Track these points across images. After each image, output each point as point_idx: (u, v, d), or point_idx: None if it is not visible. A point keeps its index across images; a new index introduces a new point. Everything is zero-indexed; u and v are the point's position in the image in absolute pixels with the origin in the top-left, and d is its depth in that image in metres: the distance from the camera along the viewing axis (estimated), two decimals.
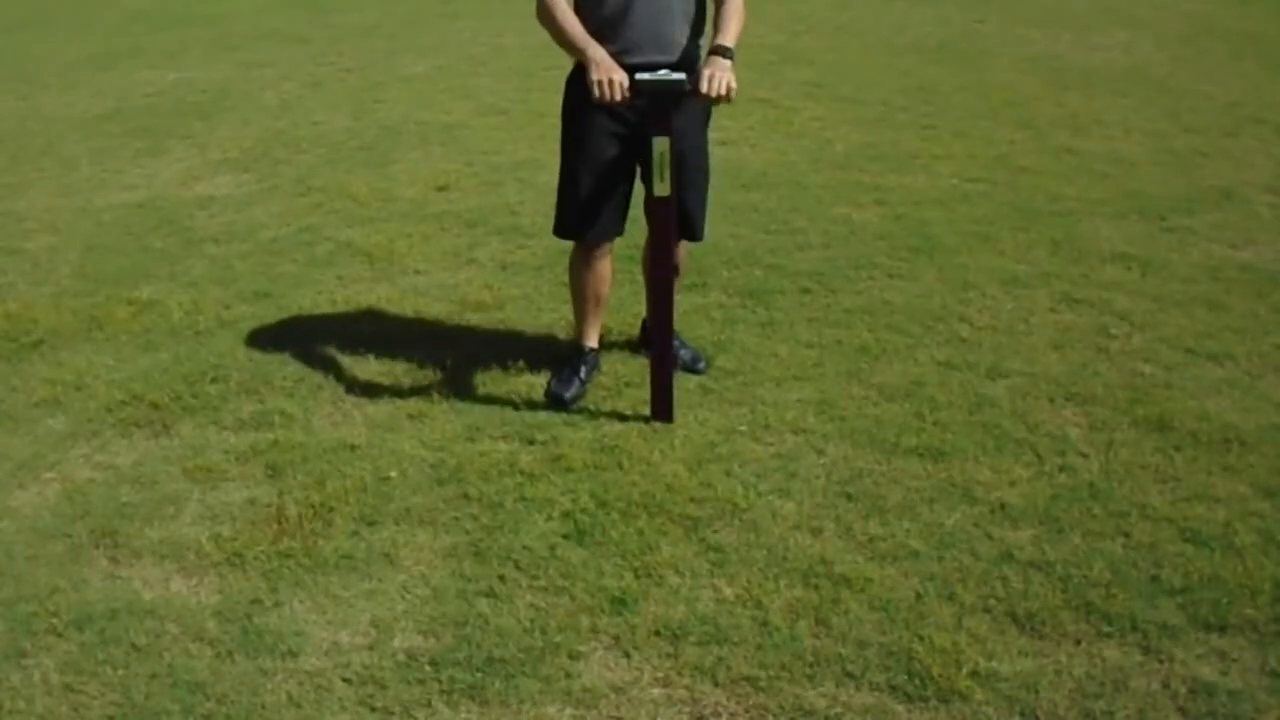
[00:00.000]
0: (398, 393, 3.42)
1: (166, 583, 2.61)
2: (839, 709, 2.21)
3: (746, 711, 2.21)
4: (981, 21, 10.12)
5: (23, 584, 2.61)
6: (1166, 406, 3.31)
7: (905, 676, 2.28)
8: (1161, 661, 2.32)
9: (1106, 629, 2.41)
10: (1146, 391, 3.42)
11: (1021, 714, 2.20)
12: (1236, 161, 5.84)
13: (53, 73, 8.62)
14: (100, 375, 3.59)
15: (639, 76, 2.89)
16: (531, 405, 3.33)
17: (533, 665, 2.32)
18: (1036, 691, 2.24)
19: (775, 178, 5.53)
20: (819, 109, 6.94)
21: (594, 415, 3.28)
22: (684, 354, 3.53)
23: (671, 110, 2.93)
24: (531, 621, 2.44)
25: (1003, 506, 2.84)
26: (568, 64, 3.10)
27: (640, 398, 3.33)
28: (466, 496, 2.90)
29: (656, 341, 3.20)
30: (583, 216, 3.24)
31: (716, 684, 2.28)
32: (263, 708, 2.23)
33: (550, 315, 3.96)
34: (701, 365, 3.53)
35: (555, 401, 3.32)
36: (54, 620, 2.47)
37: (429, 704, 2.23)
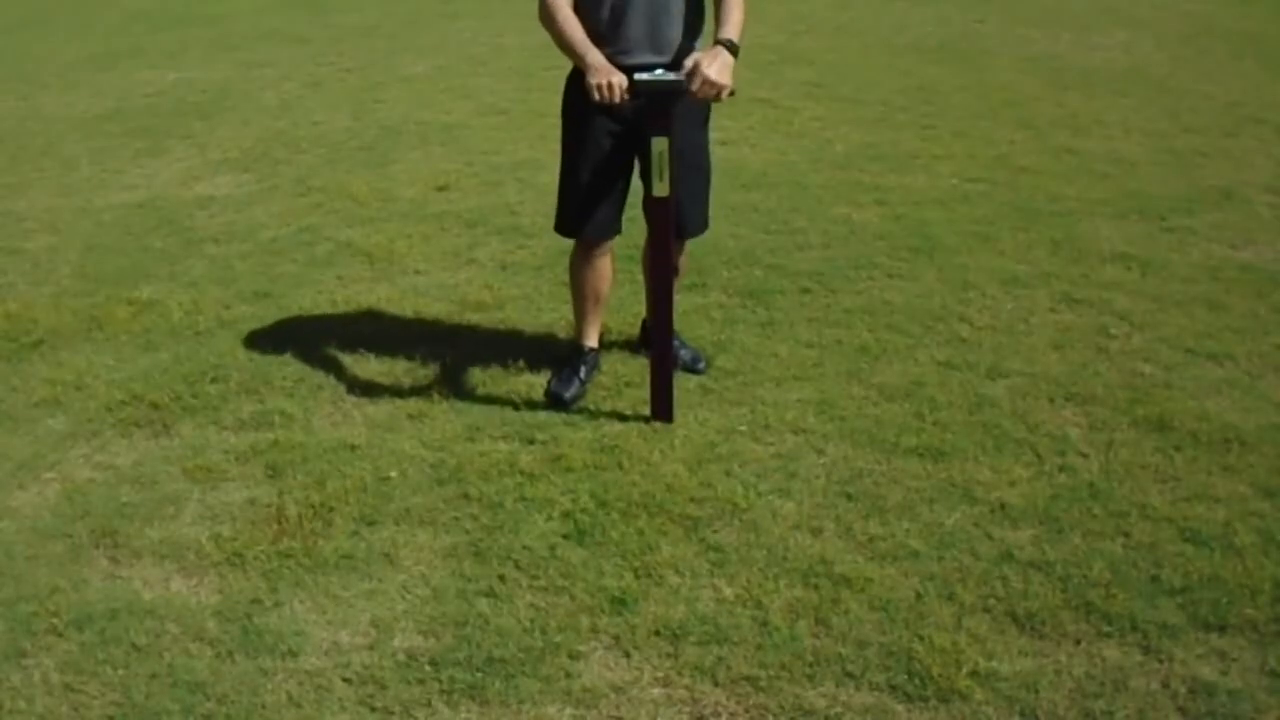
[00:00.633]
0: (398, 393, 3.42)
1: (166, 583, 2.61)
2: (839, 709, 2.21)
3: (746, 711, 2.21)
4: (981, 21, 10.12)
5: (23, 584, 2.61)
6: (1166, 406, 3.31)
7: (905, 676, 2.28)
8: (1161, 661, 2.32)
9: (1106, 629, 2.41)
10: (1146, 391, 3.42)
11: (1021, 714, 2.20)
12: (1236, 161, 5.84)
13: (53, 73, 8.62)
14: (100, 375, 3.59)
15: (637, 77, 2.90)
16: (531, 405, 3.33)
17: (533, 665, 2.32)
18: (1036, 691, 2.24)
19: (775, 178, 5.53)
20: (819, 109, 6.94)
21: (594, 415, 3.28)
22: (684, 354, 3.53)
23: (670, 110, 2.93)
24: (531, 621, 2.44)
25: (1003, 506, 2.84)
26: (568, 64, 3.10)
27: (640, 398, 3.33)
28: (466, 496, 2.90)
29: (656, 341, 3.21)
30: (583, 215, 3.25)
31: (716, 684, 2.28)
32: (263, 708, 2.23)
33: (550, 315, 3.96)
34: (701, 365, 3.53)
35: (555, 401, 3.32)
36: (54, 620, 2.47)
37: (429, 704, 2.23)
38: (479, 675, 2.29)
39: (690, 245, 3.49)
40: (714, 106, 3.12)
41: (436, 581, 2.59)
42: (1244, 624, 2.42)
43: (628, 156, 3.19)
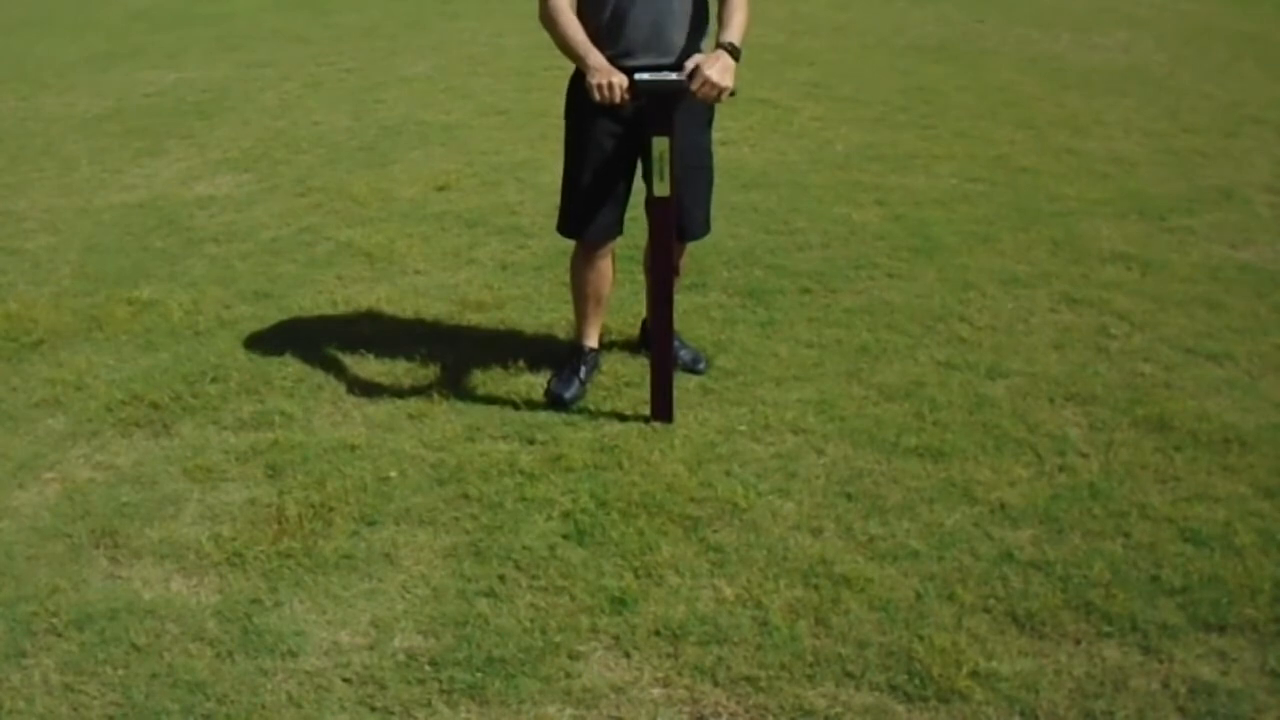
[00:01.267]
0: (398, 393, 3.42)
1: (166, 583, 2.61)
2: (839, 709, 2.21)
3: (746, 711, 2.21)
4: (981, 21, 10.12)
5: (23, 584, 2.61)
6: (1166, 406, 3.31)
7: (905, 676, 2.28)
8: (1161, 661, 2.32)
9: (1106, 629, 2.41)
10: (1146, 391, 3.42)
11: (1021, 714, 2.20)
12: (1236, 161, 5.84)
13: (53, 73, 8.61)
14: (100, 375, 3.59)
15: (638, 77, 2.90)
16: (531, 405, 3.33)
17: (533, 665, 2.32)
18: (1036, 691, 2.24)
19: (775, 178, 5.53)
20: (819, 109, 6.94)
21: (594, 415, 3.28)
22: (684, 354, 3.53)
23: (671, 110, 2.93)
24: (531, 621, 2.44)
25: (1003, 506, 2.84)
26: (569, 65, 3.10)
27: (640, 398, 3.33)
28: (466, 496, 2.90)
29: (656, 342, 3.21)
30: (585, 216, 3.25)
31: (716, 684, 2.28)
32: (263, 708, 2.23)
33: (550, 315, 3.96)
34: (702, 365, 3.53)
35: (555, 401, 3.32)
36: (54, 620, 2.47)
37: (429, 704, 2.23)
38: (479, 675, 2.29)
39: (690, 246, 3.49)
40: (716, 108, 3.12)
41: (436, 581, 2.59)
42: (1244, 624, 2.42)
43: (630, 158, 3.20)
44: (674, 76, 2.92)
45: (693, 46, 3.11)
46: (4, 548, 2.74)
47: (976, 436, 3.16)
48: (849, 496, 2.89)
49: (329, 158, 6.06)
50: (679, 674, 2.30)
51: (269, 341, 3.80)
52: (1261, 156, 5.95)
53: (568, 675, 2.30)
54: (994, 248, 4.60)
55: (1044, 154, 5.95)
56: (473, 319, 3.97)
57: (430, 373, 3.54)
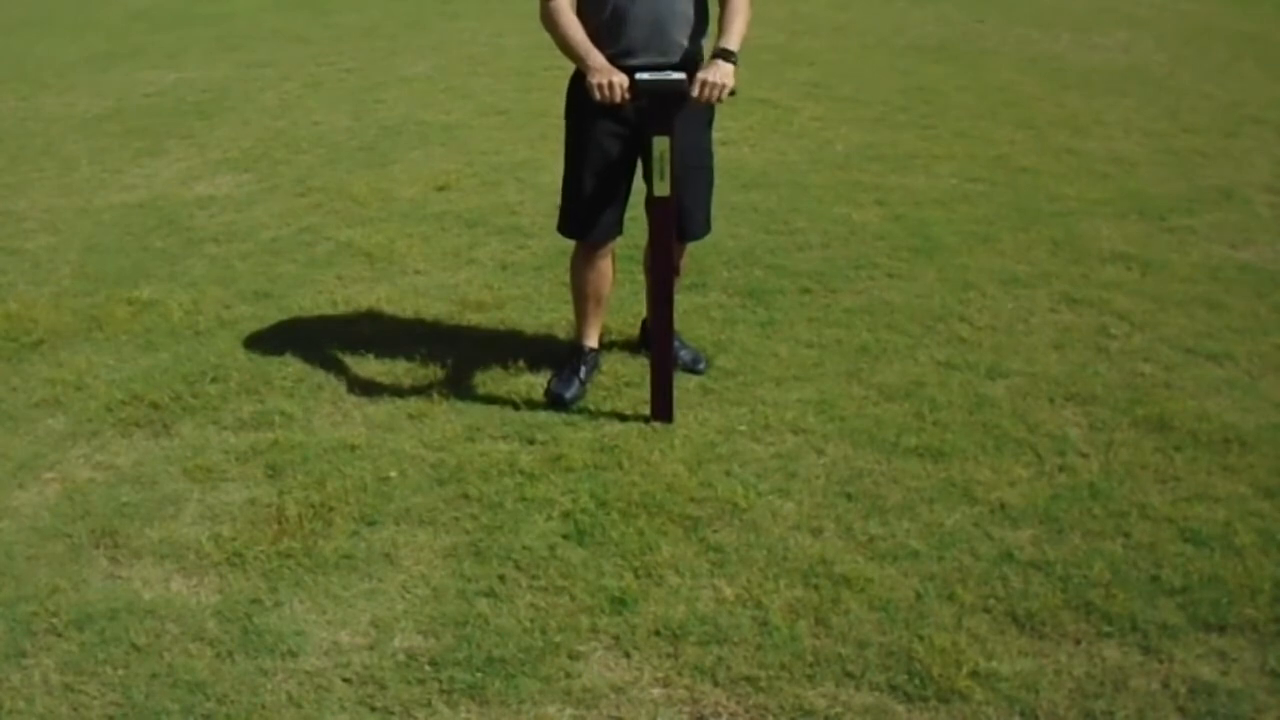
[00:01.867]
0: (398, 393, 3.42)
1: (166, 583, 2.61)
2: (839, 709, 2.21)
3: (746, 711, 2.21)
4: (981, 21, 10.12)
5: (23, 584, 2.61)
6: (1166, 406, 3.31)
7: (905, 676, 2.28)
8: (1161, 661, 2.32)
9: (1106, 629, 2.41)
10: (1146, 391, 3.42)
11: (1021, 714, 2.20)
12: (1236, 161, 5.84)
13: (53, 73, 8.61)
14: (100, 375, 3.59)
15: (639, 77, 2.91)
16: (531, 405, 3.33)
17: (533, 665, 2.32)
18: (1036, 691, 2.24)
19: (775, 178, 5.53)
20: (819, 109, 6.94)
21: (594, 415, 3.28)
22: (684, 354, 3.53)
23: (673, 110, 2.94)
24: (531, 621, 2.44)
25: (1003, 506, 2.84)
26: (570, 65, 3.10)
27: (640, 398, 3.33)
28: (466, 496, 2.90)
29: (656, 342, 3.21)
30: (586, 217, 3.25)
31: (716, 684, 2.28)
32: (263, 708, 2.23)
33: (550, 315, 3.96)
34: (702, 365, 3.53)
35: (555, 401, 3.32)
36: (54, 620, 2.47)
37: (429, 704, 2.23)
38: (479, 675, 2.29)
39: (690, 246, 3.49)
40: (716, 108, 3.12)
41: (436, 581, 2.59)
42: (1244, 624, 2.42)
43: (630, 158, 3.20)
44: (675, 76, 2.92)
45: (694, 46, 3.11)
46: (4, 548, 2.74)
47: (976, 436, 3.16)
48: (849, 496, 2.89)
49: (329, 158, 6.06)
50: (679, 674, 2.30)
51: (269, 341, 3.80)
52: (1261, 156, 5.95)
53: (568, 675, 2.30)
54: (994, 248, 4.60)
55: (1044, 154, 5.95)
56: (473, 319, 3.97)
57: (430, 373, 3.54)
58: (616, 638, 2.40)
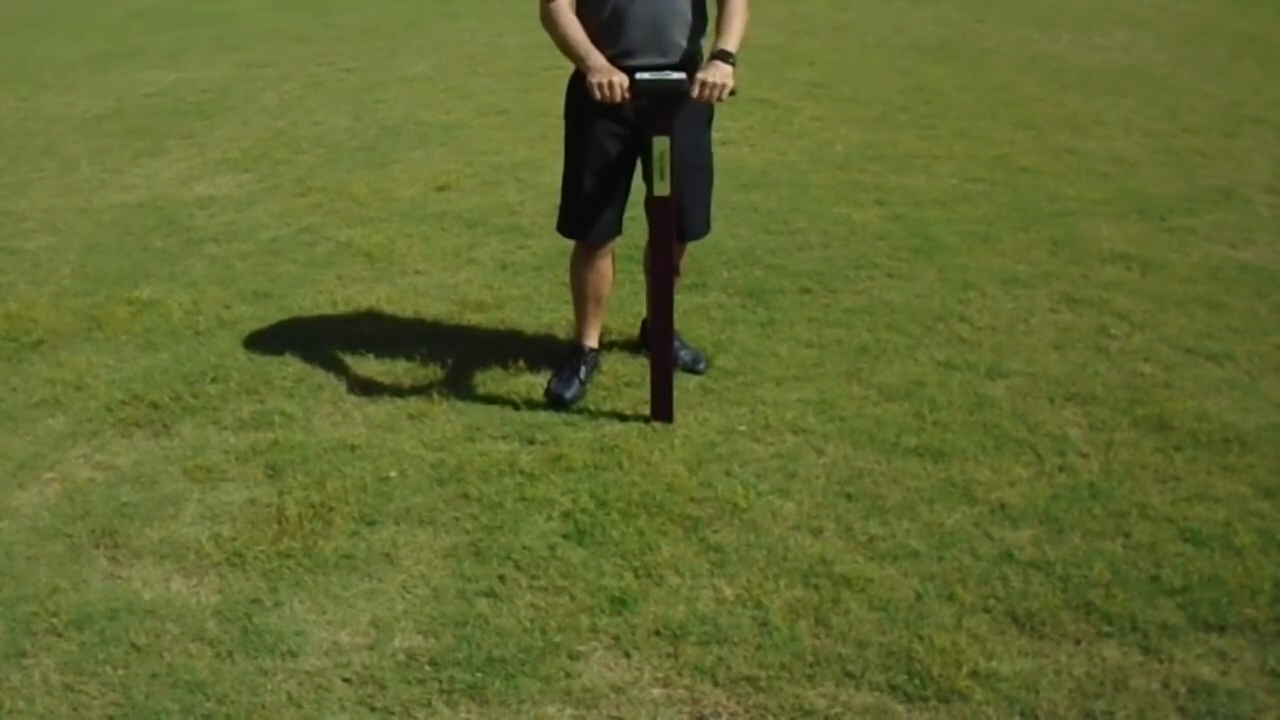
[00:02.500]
0: (398, 393, 3.42)
1: (166, 583, 2.61)
2: (839, 709, 2.21)
3: (746, 711, 2.21)
4: (981, 21, 10.12)
5: (23, 584, 2.61)
6: (1166, 406, 3.31)
7: (905, 676, 2.28)
8: (1161, 661, 2.32)
9: (1106, 629, 2.41)
10: (1146, 391, 3.42)
11: (1021, 714, 2.20)
12: (1236, 161, 5.84)
13: (53, 73, 8.61)
14: (100, 375, 3.59)
15: (639, 76, 2.91)
16: (531, 405, 3.33)
17: (533, 665, 2.32)
18: (1036, 691, 2.24)
19: (775, 178, 5.53)
20: (819, 109, 6.94)
21: (594, 415, 3.28)
22: (684, 354, 3.53)
23: (672, 110, 2.94)
24: (531, 621, 2.44)
25: (1003, 506, 2.84)
26: (569, 65, 3.10)
27: (640, 398, 3.33)
28: (466, 496, 2.90)
29: (656, 342, 3.21)
30: (586, 216, 3.25)
31: (716, 684, 2.28)
32: (263, 708, 2.23)
33: (550, 315, 3.96)
34: (702, 365, 3.53)
35: (555, 401, 3.32)
36: (54, 620, 2.47)
37: (429, 704, 2.23)
38: (479, 675, 2.29)
39: (690, 245, 3.49)
40: (716, 108, 3.12)
41: (436, 581, 2.59)
42: (1244, 624, 2.42)
43: (630, 158, 3.20)
44: (675, 76, 2.92)
45: (693, 46, 3.11)
46: (4, 548, 2.74)
47: (976, 436, 3.16)
48: (849, 496, 2.89)
49: (329, 158, 6.06)
50: (679, 674, 2.30)
51: (269, 341, 3.80)
52: (1261, 156, 5.95)
53: (568, 675, 2.30)
54: (994, 248, 4.60)
55: (1044, 154, 5.95)
56: (473, 319, 3.97)
57: (430, 373, 3.54)
58: (616, 638, 2.40)
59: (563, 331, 3.82)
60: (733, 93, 2.94)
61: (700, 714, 2.21)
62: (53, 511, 2.89)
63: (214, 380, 3.53)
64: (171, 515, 2.86)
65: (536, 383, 3.45)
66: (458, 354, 3.66)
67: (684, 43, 3.09)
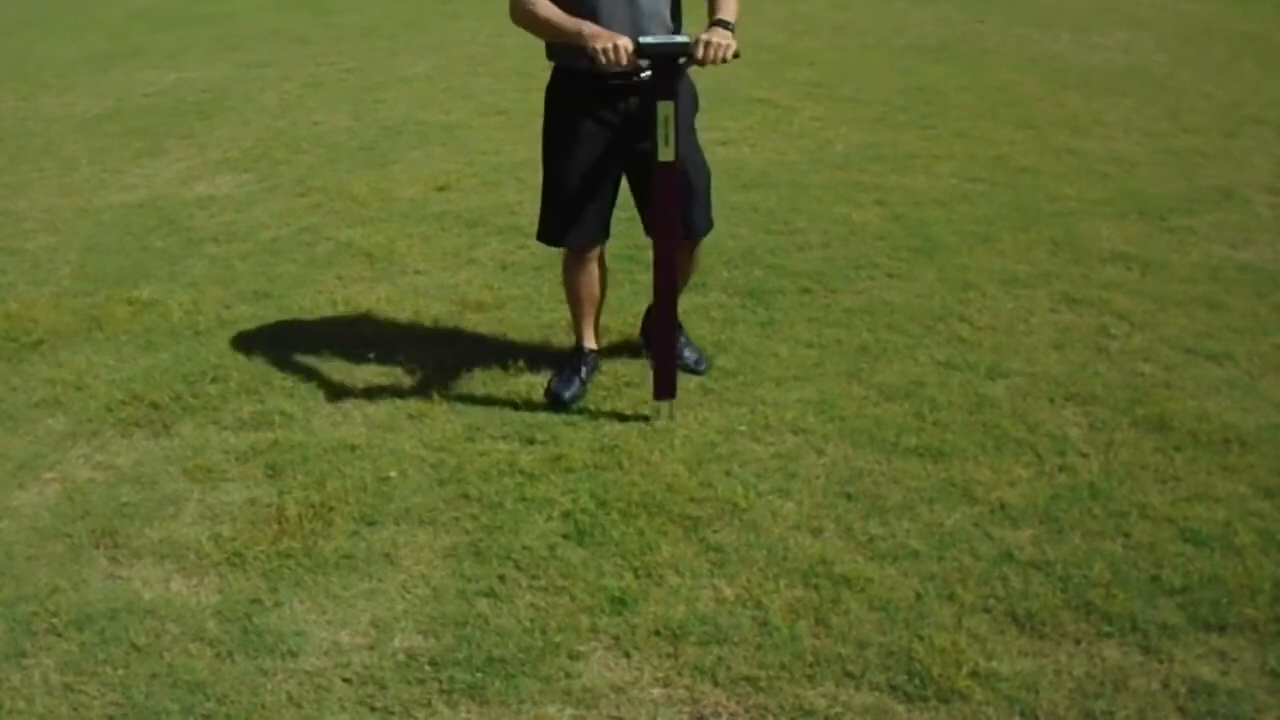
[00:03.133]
0: (398, 393, 3.42)
1: (166, 583, 2.61)
2: (839, 709, 2.21)
3: (746, 711, 2.21)
4: (981, 21, 10.12)
5: (23, 584, 2.61)
6: (1166, 406, 3.31)
7: (905, 676, 2.28)
8: (1161, 661, 2.32)
9: (1106, 629, 2.41)
10: (1146, 391, 3.42)
11: (1021, 714, 2.20)
12: (1236, 161, 5.84)
13: (53, 73, 8.61)
14: (100, 375, 3.59)
15: (642, 40, 2.86)
16: (531, 405, 3.33)
17: (533, 665, 2.32)
18: (1036, 691, 2.24)
19: (775, 178, 5.52)
20: (819, 109, 6.94)
21: (594, 415, 3.28)
22: (688, 353, 3.52)
23: (675, 75, 2.89)
24: (531, 621, 2.44)
25: (1003, 506, 2.84)
26: (547, 67, 3.09)
27: (641, 398, 3.34)
28: (466, 496, 2.90)
29: (660, 313, 3.15)
30: (566, 222, 3.23)
31: (716, 684, 2.28)
32: (263, 708, 2.23)
33: (550, 315, 3.96)
34: (703, 366, 3.52)
35: (555, 401, 3.32)
36: (54, 620, 2.47)
37: (429, 704, 2.23)
38: (479, 675, 2.29)
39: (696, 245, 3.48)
40: (710, 107, 3.09)
41: (436, 581, 2.59)
42: (1244, 624, 2.42)
43: (616, 161, 3.17)
44: (678, 39, 2.88)
45: None
46: (4, 548, 2.74)
47: (976, 436, 3.16)
48: (849, 496, 2.89)
49: (329, 158, 6.06)
50: (679, 674, 2.30)
51: (269, 341, 3.80)
52: (1261, 156, 5.94)
53: (568, 675, 2.30)
54: (994, 248, 4.60)
55: (1044, 154, 5.95)
56: (473, 319, 3.97)
57: (430, 373, 3.54)
58: (616, 638, 2.40)
59: (563, 332, 3.81)
60: (736, 55, 2.89)
61: (700, 714, 2.21)
62: (53, 511, 2.89)
63: (214, 380, 3.53)
64: (171, 515, 2.86)
65: (536, 383, 3.45)
66: (458, 354, 3.66)
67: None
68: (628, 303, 3.97)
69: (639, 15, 3.01)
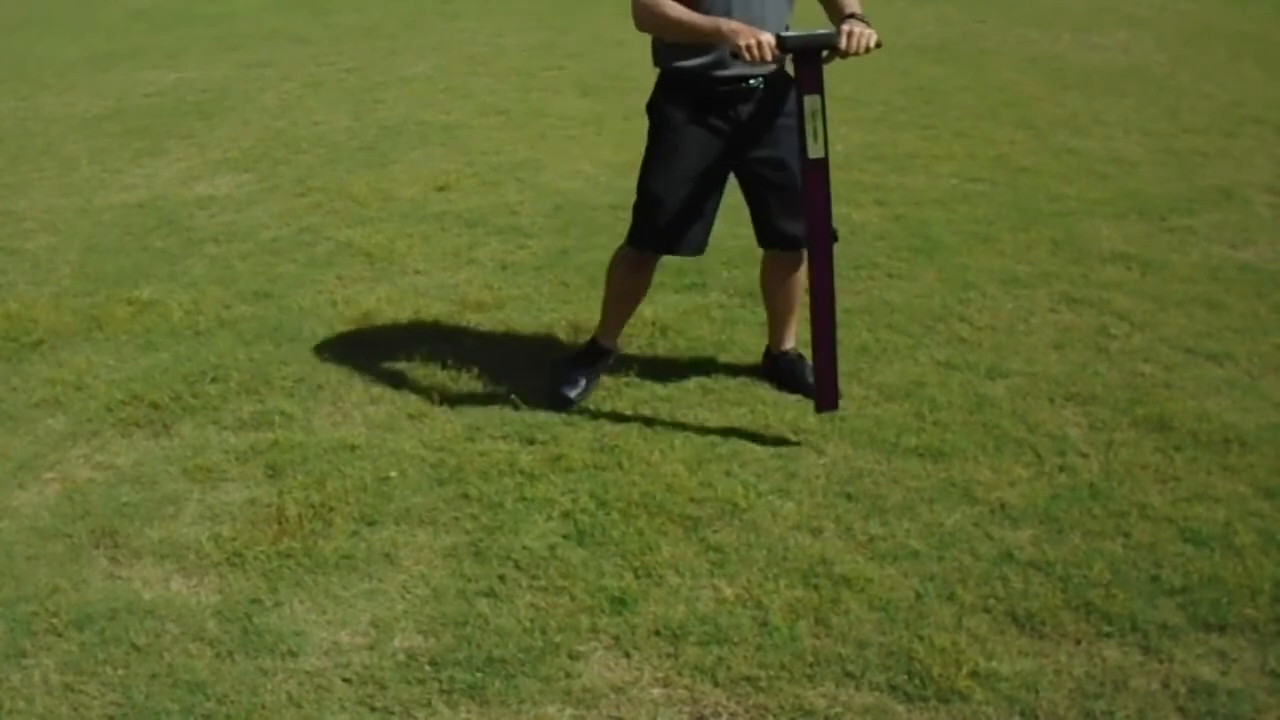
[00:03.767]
0: (398, 393, 3.42)
1: (166, 583, 2.61)
2: (839, 709, 2.21)
3: (746, 711, 2.21)
4: (982, 21, 10.12)
5: (23, 584, 2.61)
6: (1166, 406, 3.31)
7: (905, 676, 2.28)
8: (1161, 661, 2.32)
9: (1106, 629, 2.41)
10: (1146, 391, 3.42)
11: (1021, 714, 2.20)
12: (1236, 161, 5.84)
13: (53, 73, 8.62)
14: (100, 375, 3.59)
15: (785, 34, 2.81)
16: (531, 405, 3.33)
17: (533, 665, 2.32)
18: (1036, 691, 2.24)
19: None
20: None
21: (594, 415, 3.28)
22: (809, 375, 3.36)
23: (820, 67, 2.83)
24: (531, 621, 2.44)
25: (1003, 506, 2.84)
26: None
27: (640, 398, 3.34)
28: (466, 496, 2.90)
29: (818, 321, 3.02)
30: (670, 230, 3.14)
31: (716, 684, 2.28)
32: (263, 708, 2.23)
33: (550, 315, 3.96)
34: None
35: (559, 401, 3.30)
36: (54, 620, 2.47)
37: (429, 704, 2.23)
38: (479, 675, 2.29)
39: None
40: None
41: (436, 581, 2.59)
42: (1244, 624, 2.42)
43: (726, 170, 3.12)
44: (821, 31, 2.83)
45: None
46: (4, 548, 2.74)
47: (976, 436, 3.16)
48: (849, 496, 2.89)
49: (329, 158, 6.06)
50: (679, 674, 2.30)
51: (269, 341, 3.80)
52: (1261, 156, 5.95)
53: (568, 675, 2.30)
54: (994, 248, 4.60)
55: (1044, 154, 5.95)
56: (473, 319, 3.97)
57: (430, 373, 3.54)
58: (616, 638, 2.40)
59: (563, 332, 3.82)
60: (879, 45, 2.85)
61: (700, 714, 2.21)
62: (53, 511, 2.89)
63: (214, 380, 3.53)
64: (171, 515, 2.86)
65: (536, 383, 3.45)
66: (458, 354, 3.66)
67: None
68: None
69: (754, 21, 2.93)
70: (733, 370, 3.54)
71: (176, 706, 2.23)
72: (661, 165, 3.12)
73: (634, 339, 3.73)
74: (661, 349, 3.71)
